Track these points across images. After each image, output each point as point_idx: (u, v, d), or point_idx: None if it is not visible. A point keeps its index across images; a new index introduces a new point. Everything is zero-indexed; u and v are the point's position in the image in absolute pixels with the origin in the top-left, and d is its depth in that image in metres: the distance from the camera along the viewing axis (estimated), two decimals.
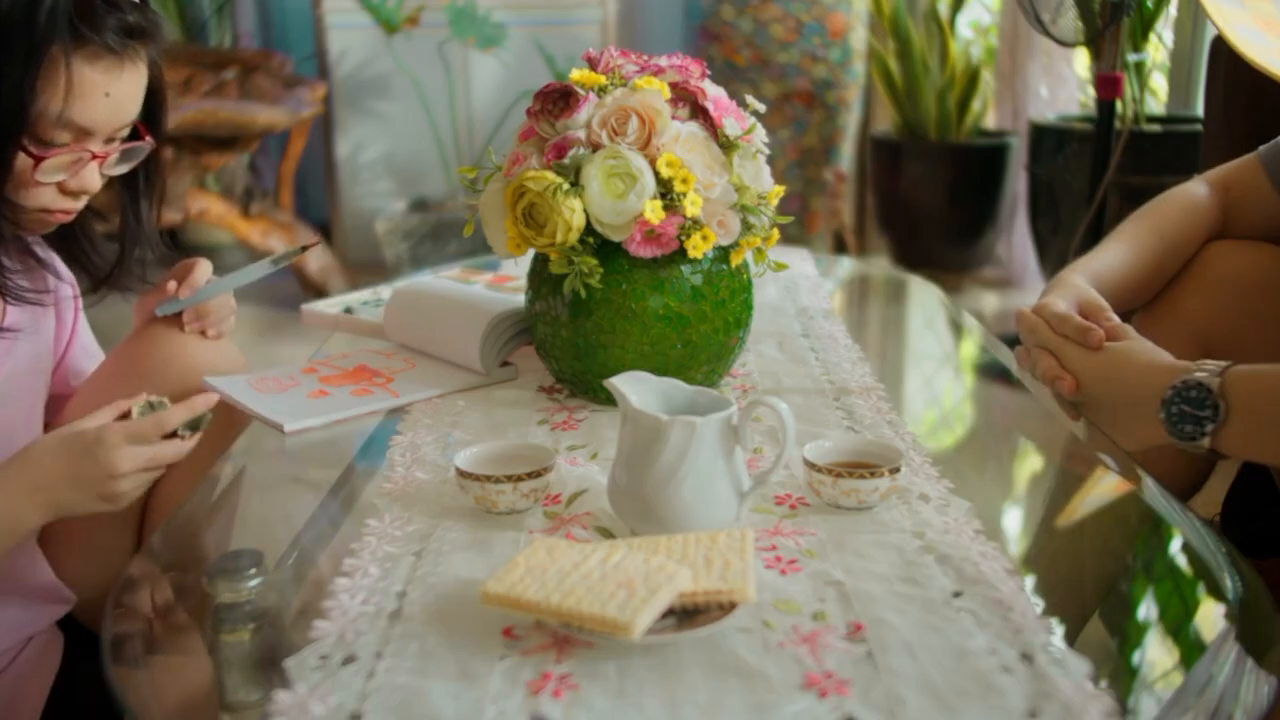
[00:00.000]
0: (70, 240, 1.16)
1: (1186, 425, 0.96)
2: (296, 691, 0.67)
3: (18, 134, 0.98)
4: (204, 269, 1.22)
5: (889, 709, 0.65)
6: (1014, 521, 0.99)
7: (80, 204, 1.07)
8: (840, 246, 4.01)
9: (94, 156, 1.04)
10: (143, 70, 1.05)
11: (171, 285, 1.20)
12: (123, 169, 1.09)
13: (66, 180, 1.03)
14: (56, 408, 1.22)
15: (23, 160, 1.00)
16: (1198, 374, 0.96)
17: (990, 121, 3.84)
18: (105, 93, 1.01)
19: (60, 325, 1.22)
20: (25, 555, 1.12)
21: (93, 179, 1.05)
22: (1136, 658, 0.77)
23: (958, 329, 1.61)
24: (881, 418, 1.12)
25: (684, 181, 1.06)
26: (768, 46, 3.67)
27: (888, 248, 3.89)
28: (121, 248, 1.17)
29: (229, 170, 3.67)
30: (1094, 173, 2.64)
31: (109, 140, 1.06)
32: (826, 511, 0.90)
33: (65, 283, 1.21)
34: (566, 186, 1.06)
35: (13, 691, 1.08)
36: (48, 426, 1.19)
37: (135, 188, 1.15)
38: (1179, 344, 1.12)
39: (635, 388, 0.87)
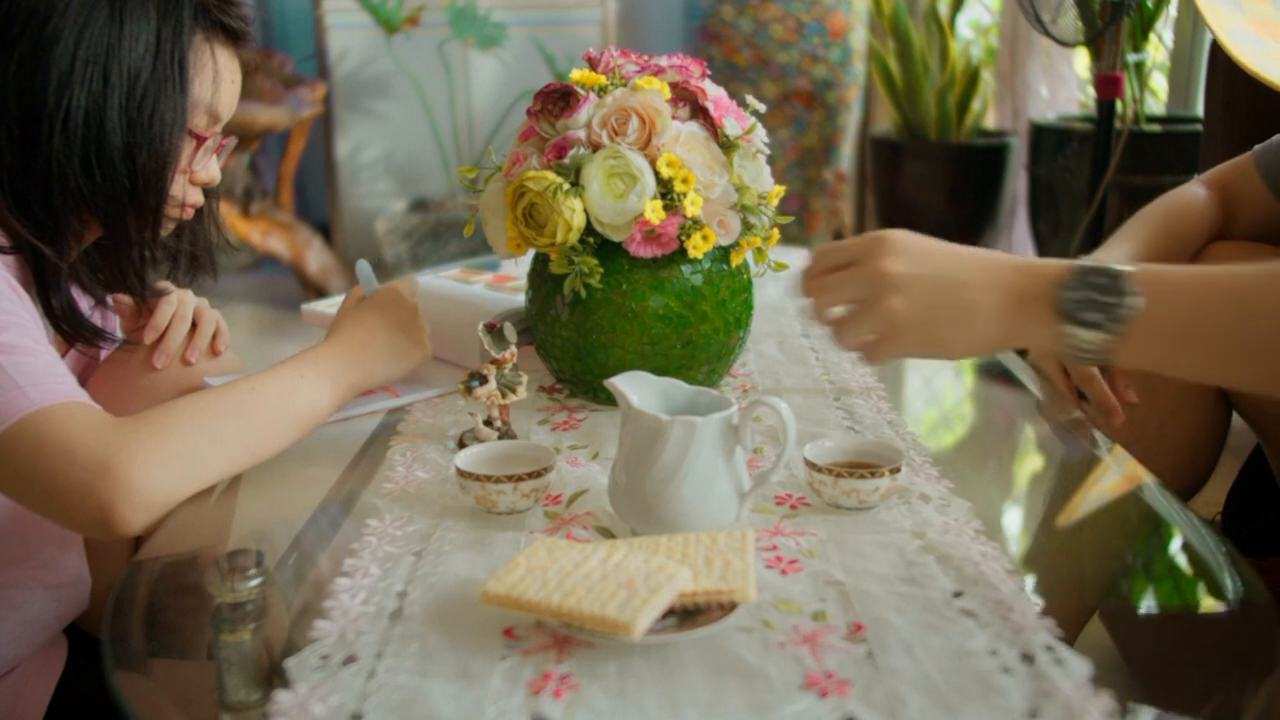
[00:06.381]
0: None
1: (1092, 314, 0.85)
2: (297, 691, 0.67)
3: (184, 119, 1.01)
4: (164, 309, 1.20)
5: (889, 709, 0.65)
6: (1014, 521, 0.99)
7: (200, 200, 1.10)
8: None
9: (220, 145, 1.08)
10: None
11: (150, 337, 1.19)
12: (221, 163, 1.12)
13: (197, 171, 1.06)
14: None
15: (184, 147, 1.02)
16: (1103, 260, 0.88)
17: (990, 121, 3.84)
18: (232, 79, 1.05)
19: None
20: (57, 545, 1.11)
21: (216, 170, 1.09)
22: None
23: None
24: (881, 418, 1.12)
25: (684, 181, 1.06)
26: (768, 46, 3.67)
27: None
28: (194, 249, 1.19)
29: (229, 170, 3.67)
30: (1094, 173, 2.64)
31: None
32: (827, 511, 0.90)
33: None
34: (566, 186, 1.06)
35: (16, 692, 1.08)
36: None
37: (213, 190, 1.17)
38: None
39: (635, 388, 0.87)
